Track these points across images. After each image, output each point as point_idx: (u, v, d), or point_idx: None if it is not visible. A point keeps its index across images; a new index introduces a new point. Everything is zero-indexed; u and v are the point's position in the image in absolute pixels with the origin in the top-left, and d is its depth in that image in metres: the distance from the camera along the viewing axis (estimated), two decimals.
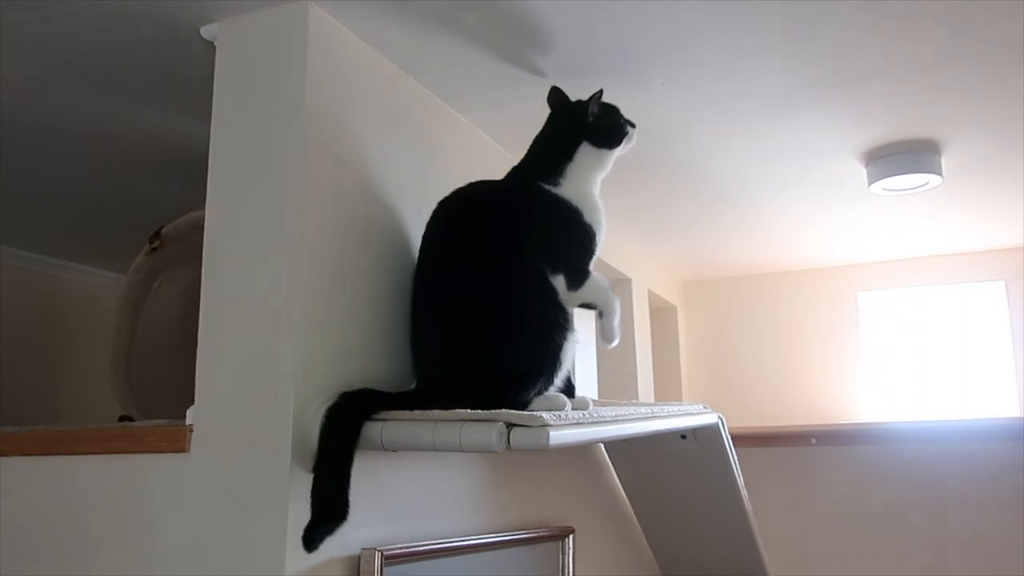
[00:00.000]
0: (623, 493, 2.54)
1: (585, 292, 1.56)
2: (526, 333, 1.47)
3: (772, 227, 2.91)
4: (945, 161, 2.23)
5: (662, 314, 3.61)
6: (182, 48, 1.56)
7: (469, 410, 1.30)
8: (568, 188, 1.58)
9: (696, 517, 2.53)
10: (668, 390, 3.54)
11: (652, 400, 3.15)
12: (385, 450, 1.33)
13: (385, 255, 1.56)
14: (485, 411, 1.28)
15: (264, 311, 1.35)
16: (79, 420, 1.80)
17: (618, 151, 1.65)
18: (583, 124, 1.61)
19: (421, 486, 1.59)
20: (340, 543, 1.33)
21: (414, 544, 1.48)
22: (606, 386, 2.81)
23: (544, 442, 1.23)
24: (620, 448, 2.49)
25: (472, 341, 1.46)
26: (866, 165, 2.26)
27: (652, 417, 1.79)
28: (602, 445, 2.48)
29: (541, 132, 1.66)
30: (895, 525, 3.03)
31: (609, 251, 2.83)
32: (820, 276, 3.51)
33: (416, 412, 1.34)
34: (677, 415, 2.01)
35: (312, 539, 1.23)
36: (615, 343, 1.63)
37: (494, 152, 2.08)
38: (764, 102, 1.88)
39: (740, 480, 2.41)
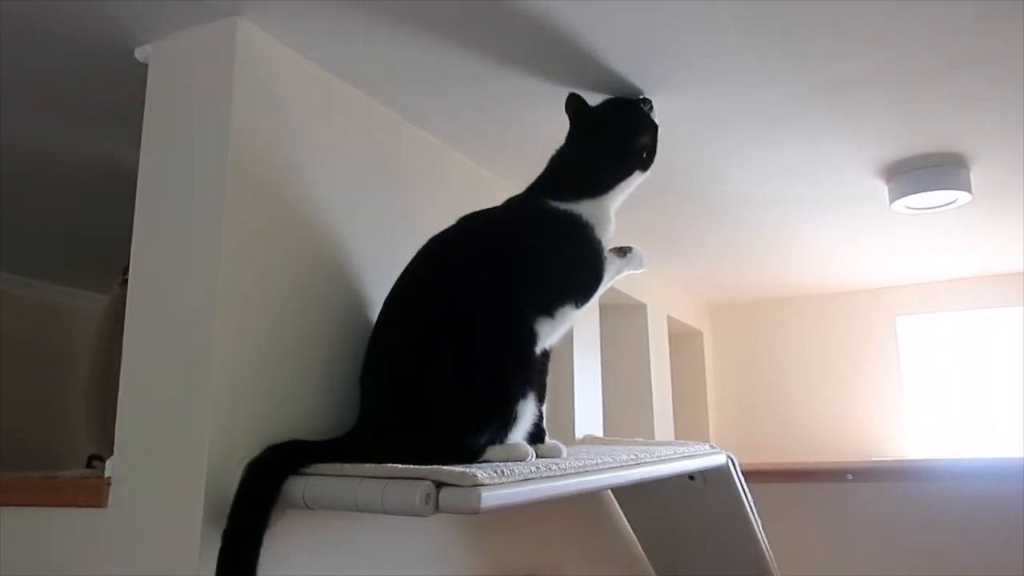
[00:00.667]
0: (630, 533, 2.38)
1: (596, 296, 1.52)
2: (478, 376, 1.33)
3: (796, 247, 2.72)
4: (974, 177, 2.02)
5: (686, 339, 3.42)
6: (120, 71, 1.47)
7: (400, 465, 1.17)
8: (588, 207, 1.48)
9: (710, 560, 2.35)
10: (692, 421, 3.35)
11: (672, 435, 2.97)
12: (307, 508, 1.20)
13: (327, 293, 1.44)
14: (414, 467, 1.15)
15: (184, 354, 1.24)
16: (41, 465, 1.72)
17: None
18: (637, 155, 1.52)
19: (367, 543, 1.46)
20: None
21: None
22: (617, 421, 2.64)
23: (475, 504, 1.09)
24: (625, 489, 2.32)
25: (416, 381, 1.34)
26: (887, 182, 2.07)
27: (637, 464, 1.62)
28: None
29: (566, 148, 1.55)
30: (937, 568, 2.78)
31: (631, 283, 2.68)
32: (855, 299, 3.29)
33: (345, 466, 1.21)
34: (674, 458, 1.84)
35: None
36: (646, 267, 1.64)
37: (469, 171, 1.95)
38: (767, 114, 1.72)
39: (756, 521, 2.22)
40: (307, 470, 1.23)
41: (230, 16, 1.33)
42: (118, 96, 1.56)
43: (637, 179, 1.54)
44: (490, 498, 1.10)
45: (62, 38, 1.38)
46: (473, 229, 1.46)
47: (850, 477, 3.03)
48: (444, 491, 1.11)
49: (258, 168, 1.33)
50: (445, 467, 1.13)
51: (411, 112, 1.70)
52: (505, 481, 1.16)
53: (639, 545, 2.39)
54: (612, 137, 1.52)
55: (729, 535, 2.24)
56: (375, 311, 1.46)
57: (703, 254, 2.83)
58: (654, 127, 1.55)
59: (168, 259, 1.30)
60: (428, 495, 1.10)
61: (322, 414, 1.38)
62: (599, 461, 1.48)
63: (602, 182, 1.50)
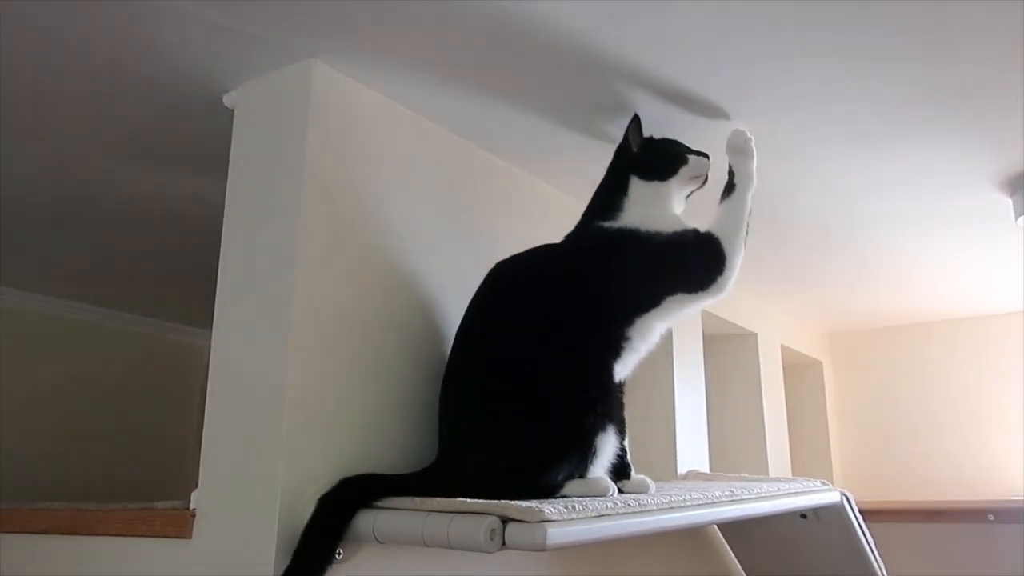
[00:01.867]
0: (741, 574, 2.26)
1: (735, 261, 1.44)
2: (551, 411, 1.30)
3: (916, 269, 2.54)
4: None
5: (803, 370, 3.25)
6: (208, 117, 1.54)
7: (469, 499, 1.15)
8: (630, 219, 1.45)
9: None
10: (813, 457, 3.16)
11: (788, 471, 2.81)
12: (379, 543, 1.19)
13: (404, 328, 1.44)
14: (482, 502, 1.12)
15: (260, 391, 1.26)
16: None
17: (677, 182, 1.49)
18: (628, 156, 1.51)
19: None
20: None
21: None
22: (727, 457, 2.53)
23: (540, 541, 1.05)
24: (734, 528, 2.21)
25: (492, 414, 1.32)
26: (1011, 195, 1.90)
27: (731, 501, 1.54)
28: (715, 526, 2.22)
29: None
30: None
31: (725, 303, 2.58)
32: (988, 323, 3.04)
33: (415, 500, 1.20)
34: (776, 495, 1.73)
35: None
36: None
37: (560, 203, 1.93)
38: (868, 128, 1.61)
39: (878, 563, 2.06)
40: (379, 504, 1.22)
41: (306, 59, 1.37)
42: (211, 141, 1.63)
43: (649, 185, 1.47)
44: (557, 535, 1.06)
45: (159, 89, 1.46)
46: (536, 262, 1.44)
47: (991, 518, 2.78)
48: (510, 527, 1.08)
49: (334, 204, 1.35)
50: (513, 502, 1.10)
51: (490, 142, 1.70)
52: (575, 517, 1.12)
53: None
54: (617, 150, 1.54)
55: (846, 573, 2.09)
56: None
57: (818, 281, 2.69)
58: (655, 138, 1.52)
59: (248, 296, 1.34)
60: (493, 531, 1.07)
61: (399, 450, 1.38)
62: (687, 497, 1.41)
63: (613, 190, 1.49)
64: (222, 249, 1.41)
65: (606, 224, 1.46)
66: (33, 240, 2.24)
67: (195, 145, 1.67)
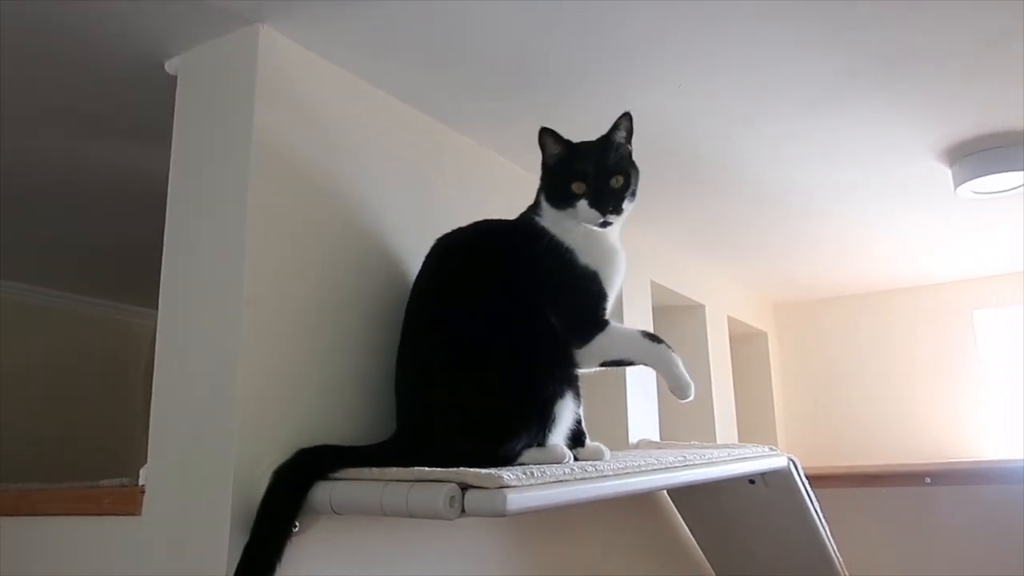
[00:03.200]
0: (690, 539, 2.30)
1: (599, 348, 1.39)
2: (510, 380, 1.30)
3: (858, 240, 2.60)
4: None
5: (749, 341, 3.32)
6: (149, 85, 1.49)
7: (428, 468, 1.14)
8: (549, 224, 1.41)
9: (775, 566, 2.25)
10: (759, 425, 3.24)
11: (735, 439, 2.87)
12: (336, 514, 1.18)
13: (357, 298, 1.42)
14: (440, 470, 1.12)
15: (211, 363, 1.24)
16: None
17: (571, 217, 1.37)
18: (542, 165, 1.44)
19: (405, 548, 1.43)
20: None
21: None
22: (676, 426, 2.56)
23: (500, 507, 1.05)
24: (683, 495, 2.25)
25: (451, 385, 1.31)
26: (950, 165, 1.96)
27: (683, 466, 1.56)
28: (665, 492, 2.26)
29: None
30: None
31: (674, 275, 2.61)
32: (929, 293, 3.13)
33: (373, 470, 1.19)
34: (726, 460, 1.76)
35: None
36: (689, 397, 1.41)
37: (515, 176, 1.92)
38: (810, 96, 1.64)
39: (823, 526, 2.12)
40: (336, 475, 1.21)
41: (253, 23, 1.34)
42: (153, 111, 1.58)
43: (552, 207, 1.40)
44: (516, 500, 1.07)
45: (98, 55, 1.40)
46: (484, 238, 1.43)
47: (928, 480, 2.88)
48: (469, 493, 1.08)
49: (284, 171, 1.32)
50: (471, 469, 1.10)
51: (443, 113, 1.68)
52: (534, 483, 1.12)
53: (701, 552, 2.31)
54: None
55: (794, 540, 2.15)
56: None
57: (763, 251, 2.73)
58: (547, 135, 1.40)
59: (195, 267, 1.30)
60: (453, 498, 1.06)
61: (355, 422, 1.37)
62: (642, 463, 1.43)
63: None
64: (167, 224, 1.37)
65: (536, 219, 1.43)
66: None
67: (137, 115, 1.62)
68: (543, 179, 1.44)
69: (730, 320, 3.01)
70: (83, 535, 1.32)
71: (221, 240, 1.28)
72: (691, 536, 2.30)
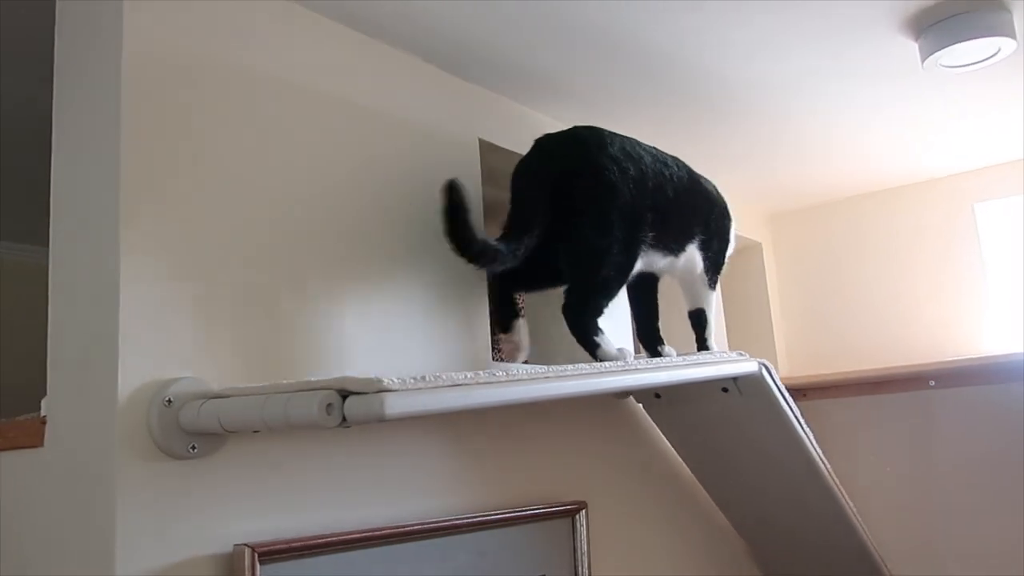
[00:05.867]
0: (671, 453, 2.24)
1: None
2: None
3: (839, 137, 2.46)
4: (1020, 20, 1.75)
5: (743, 253, 3.20)
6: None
7: (313, 379, 1.09)
8: None
9: (762, 478, 2.18)
10: (756, 338, 3.14)
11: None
12: (227, 432, 1.14)
13: (240, 223, 1.35)
14: (323, 379, 1.06)
15: (96, 289, 1.19)
16: None
17: None
18: None
19: (350, 463, 1.39)
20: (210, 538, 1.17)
21: (322, 535, 1.28)
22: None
23: (378, 411, 1.00)
24: (658, 410, 2.19)
25: None
26: (916, 38, 1.81)
27: (612, 372, 1.49)
28: (639, 405, 2.19)
29: None
30: None
31: None
32: (925, 189, 2.97)
33: (252, 385, 1.14)
34: (678, 366, 1.69)
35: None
36: None
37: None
38: None
39: (806, 434, 2.05)
40: (225, 391, 1.17)
41: None
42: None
43: None
44: (397, 404, 1.01)
45: None
46: None
47: (933, 383, 2.77)
48: (350, 400, 1.02)
49: (161, 95, 1.25)
50: (351, 375, 1.04)
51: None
52: (422, 387, 1.06)
53: (684, 465, 2.25)
54: None
55: (776, 450, 2.07)
56: (296, 224, 1.38)
57: (744, 160, 2.60)
58: None
59: (77, 195, 1.25)
60: (330, 405, 1.01)
61: (229, 357, 1.31)
62: (568, 369, 1.36)
63: None
64: (53, 152, 1.31)
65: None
66: None
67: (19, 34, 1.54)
68: None
69: None
70: None
71: (96, 163, 1.22)
72: (670, 447, 2.24)
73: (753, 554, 2.45)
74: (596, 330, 1.61)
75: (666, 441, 2.24)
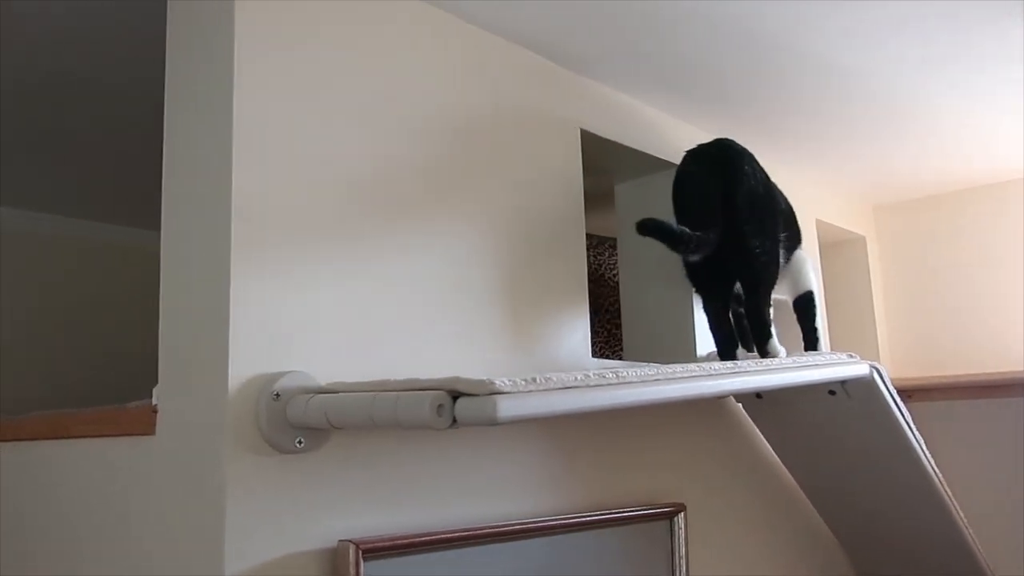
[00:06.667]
0: (771, 456, 2.16)
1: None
2: None
3: (953, 126, 2.32)
4: None
5: (845, 247, 3.07)
6: None
7: (423, 379, 1.07)
8: None
9: (862, 481, 2.09)
10: (857, 337, 3.01)
11: (826, 351, 2.67)
12: (335, 428, 1.13)
13: (347, 199, 1.35)
14: (435, 379, 1.04)
15: (211, 278, 1.19)
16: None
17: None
18: None
19: (453, 461, 1.37)
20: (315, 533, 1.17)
21: (424, 533, 1.27)
22: None
23: (491, 414, 0.97)
24: (760, 412, 2.11)
25: None
26: None
27: (734, 374, 1.43)
28: (739, 405, 2.12)
29: None
30: None
31: None
32: None
33: (364, 381, 1.13)
34: (788, 368, 1.62)
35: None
36: None
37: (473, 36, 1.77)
38: None
39: (916, 439, 1.95)
40: (332, 386, 1.16)
41: None
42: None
43: None
44: (509, 408, 0.98)
45: None
46: None
47: None
48: (460, 401, 1.00)
49: (271, 69, 1.25)
50: (464, 377, 1.02)
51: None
52: (533, 390, 1.03)
53: (783, 466, 2.17)
54: None
55: (885, 455, 1.98)
56: (400, 213, 1.36)
57: (852, 149, 2.49)
58: None
59: (188, 183, 1.26)
60: (440, 406, 0.99)
61: (336, 342, 1.30)
62: (677, 370, 1.31)
63: None
64: (165, 141, 1.32)
65: None
66: None
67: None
68: None
69: (820, 225, 2.78)
70: (107, 455, 1.33)
71: (209, 152, 1.22)
72: (771, 452, 2.16)
73: (851, 559, 2.36)
74: (771, 324, 1.81)
75: (764, 441, 2.16)
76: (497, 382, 0.99)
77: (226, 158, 1.18)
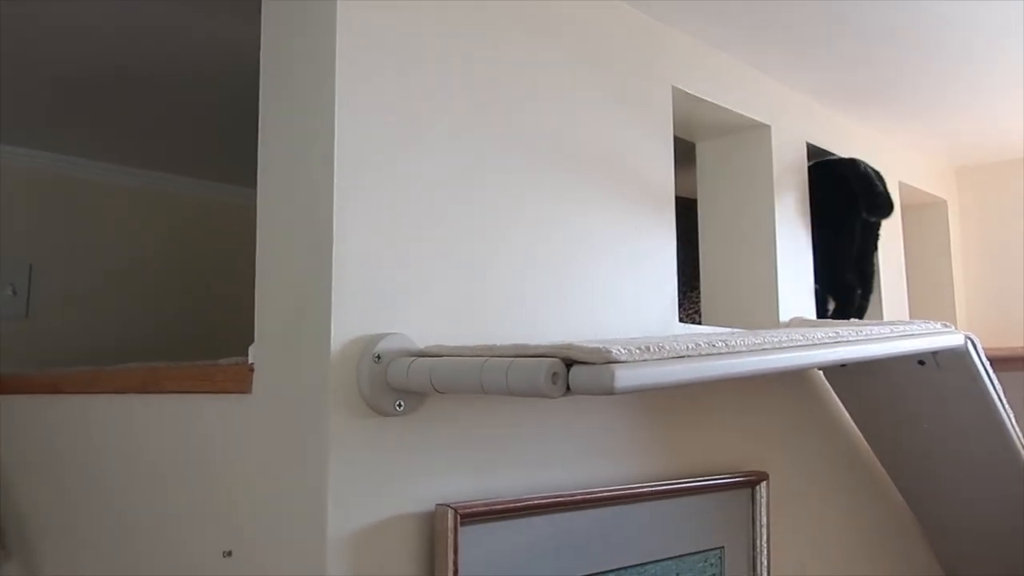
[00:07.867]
0: (851, 428, 2.11)
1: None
2: None
3: None
4: None
5: (926, 211, 2.96)
6: None
7: (532, 344, 1.04)
8: None
9: (944, 453, 2.03)
10: (934, 303, 2.91)
11: (906, 317, 2.59)
12: (439, 392, 1.11)
13: (460, 170, 1.31)
14: (547, 345, 1.01)
15: (312, 236, 1.17)
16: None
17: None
18: None
19: (543, 427, 1.35)
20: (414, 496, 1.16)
21: (518, 499, 1.25)
22: None
23: (608, 384, 0.94)
24: (842, 380, 2.05)
25: None
26: None
27: (836, 343, 1.38)
28: (820, 373, 2.07)
29: None
30: None
31: (841, 141, 2.33)
32: None
33: (475, 347, 1.10)
34: (888, 337, 1.56)
35: None
36: None
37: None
38: None
39: (1006, 413, 1.88)
40: (432, 350, 1.14)
41: None
42: None
43: None
44: (626, 377, 0.95)
45: None
46: None
47: None
48: (575, 369, 0.97)
49: (382, 42, 1.21)
50: (577, 343, 0.99)
51: None
52: (648, 359, 1.00)
53: (864, 441, 2.12)
54: None
55: (972, 428, 1.92)
56: (506, 176, 1.32)
57: (934, 101, 2.37)
58: None
59: (287, 140, 1.23)
60: (556, 374, 0.96)
61: (446, 302, 1.27)
62: (783, 339, 1.26)
63: None
64: (261, 99, 1.29)
65: None
66: (80, 103, 2.18)
67: None
68: None
69: (902, 187, 2.68)
70: (201, 412, 1.33)
71: (311, 108, 1.19)
72: (851, 422, 2.11)
73: (926, 532, 2.31)
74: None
75: (844, 411, 2.11)
76: (613, 350, 0.95)
77: (328, 108, 1.15)
